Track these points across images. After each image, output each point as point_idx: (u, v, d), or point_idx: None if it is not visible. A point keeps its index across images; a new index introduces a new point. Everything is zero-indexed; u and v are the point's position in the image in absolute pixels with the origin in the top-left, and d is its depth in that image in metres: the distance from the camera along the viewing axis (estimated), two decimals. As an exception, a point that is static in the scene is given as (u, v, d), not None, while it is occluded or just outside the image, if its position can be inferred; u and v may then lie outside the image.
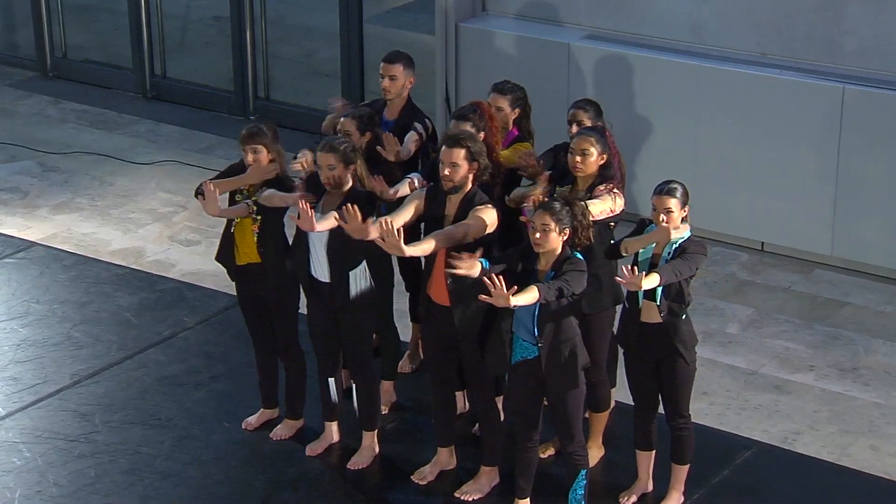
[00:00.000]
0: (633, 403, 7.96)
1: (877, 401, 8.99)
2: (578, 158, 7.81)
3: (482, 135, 8.10)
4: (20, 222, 11.40)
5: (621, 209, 7.89)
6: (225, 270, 8.54)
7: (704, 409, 8.82)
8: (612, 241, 7.79)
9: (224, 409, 8.93)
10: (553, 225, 7.34)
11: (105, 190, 11.97)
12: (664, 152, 10.68)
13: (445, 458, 8.30)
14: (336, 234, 7.88)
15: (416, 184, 8.10)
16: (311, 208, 7.68)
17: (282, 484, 8.25)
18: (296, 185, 8.23)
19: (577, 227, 7.41)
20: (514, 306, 7.17)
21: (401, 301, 9.03)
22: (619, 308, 7.93)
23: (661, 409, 7.88)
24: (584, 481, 7.71)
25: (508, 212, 8.14)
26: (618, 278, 7.31)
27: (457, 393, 8.41)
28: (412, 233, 8.15)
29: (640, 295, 7.52)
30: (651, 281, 7.25)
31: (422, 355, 8.93)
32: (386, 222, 7.36)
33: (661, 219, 7.46)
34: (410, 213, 7.81)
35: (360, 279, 8.07)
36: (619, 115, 10.86)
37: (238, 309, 8.72)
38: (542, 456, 8.08)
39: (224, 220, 8.42)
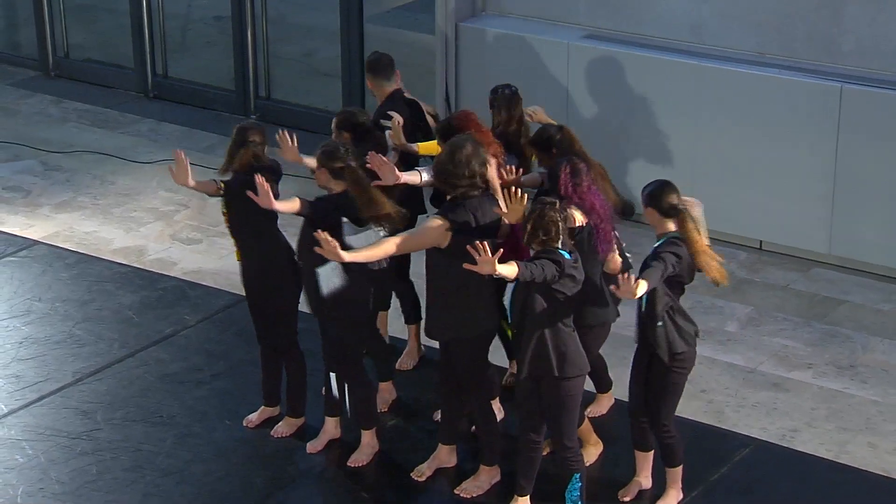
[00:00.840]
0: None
1: (874, 398, 9.00)
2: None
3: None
4: (22, 221, 11.41)
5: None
6: (229, 266, 8.56)
7: (703, 407, 8.83)
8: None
9: (225, 407, 8.94)
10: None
11: (107, 189, 11.98)
12: (663, 152, 10.68)
13: (445, 456, 8.30)
14: (305, 239, 7.92)
15: (425, 177, 8.08)
16: (267, 184, 7.72)
17: (283, 481, 8.26)
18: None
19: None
20: (498, 274, 7.14)
21: (396, 301, 9.05)
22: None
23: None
24: (580, 483, 7.70)
25: None
26: (612, 287, 7.30)
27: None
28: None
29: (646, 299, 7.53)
30: (642, 288, 7.24)
31: (419, 353, 8.95)
32: (319, 233, 7.43)
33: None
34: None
35: (330, 276, 8.04)
36: (618, 114, 10.89)
37: (239, 306, 8.73)
38: (542, 454, 8.08)
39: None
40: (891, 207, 10.17)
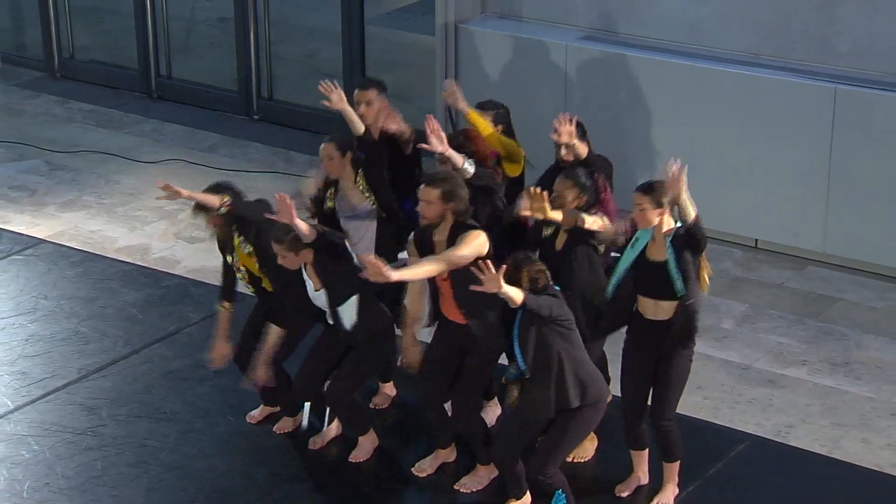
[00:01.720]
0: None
1: (868, 395, 9.01)
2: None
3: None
4: (28, 220, 11.41)
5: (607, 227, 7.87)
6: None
7: (699, 403, 8.83)
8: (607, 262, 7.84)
9: (228, 403, 8.94)
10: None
11: (111, 188, 11.98)
12: (661, 152, 10.68)
13: (445, 452, 8.30)
14: (331, 286, 7.92)
15: (469, 167, 8.11)
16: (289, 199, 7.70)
17: (284, 476, 8.27)
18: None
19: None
20: (503, 293, 7.15)
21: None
22: None
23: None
24: (564, 495, 7.65)
25: (511, 223, 8.18)
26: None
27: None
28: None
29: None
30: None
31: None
32: (364, 256, 7.47)
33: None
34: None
35: (350, 313, 8.04)
36: (616, 114, 10.89)
37: (240, 305, 8.70)
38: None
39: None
40: (884, 207, 10.18)
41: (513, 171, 8.55)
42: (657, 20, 10.93)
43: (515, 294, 7.15)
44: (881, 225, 10.22)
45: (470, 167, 8.13)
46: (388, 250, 8.38)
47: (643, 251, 7.59)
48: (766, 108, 10.39)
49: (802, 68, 10.38)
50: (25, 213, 11.53)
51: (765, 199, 10.56)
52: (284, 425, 8.65)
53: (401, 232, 8.40)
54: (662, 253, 7.52)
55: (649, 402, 7.83)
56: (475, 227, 7.69)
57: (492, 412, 8.59)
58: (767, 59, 10.54)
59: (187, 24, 14.57)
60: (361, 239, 8.49)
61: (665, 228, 7.50)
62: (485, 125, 8.43)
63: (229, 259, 8.35)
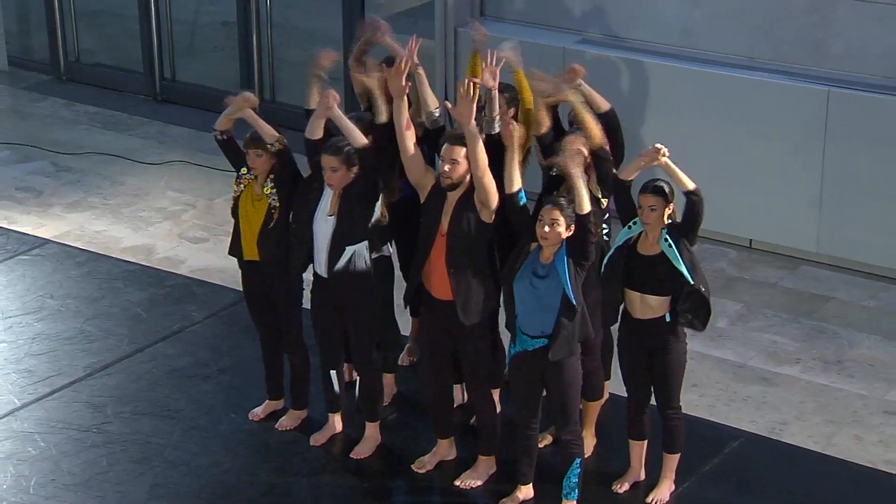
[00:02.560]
0: (625, 395, 7.97)
1: (860, 392, 9.00)
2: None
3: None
4: (35, 220, 11.40)
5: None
6: (236, 263, 8.53)
7: (695, 401, 8.83)
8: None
9: (231, 401, 8.94)
10: (562, 219, 7.36)
11: (116, 189, 11.97)
12: (656, 153, 10.68)
13: (445, 449, 8.30)
14: (343, 220, 7.90)
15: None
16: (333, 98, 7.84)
17: (287, 472, 8.26)
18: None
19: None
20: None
21: (401, 297, 9.04)
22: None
23: (652, 401, 7.91)
24: (579, 469, 7.71)
25: (506, 219, 8.13)
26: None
27: (455, 385, 8.42)
28: (411, 241, 8.11)
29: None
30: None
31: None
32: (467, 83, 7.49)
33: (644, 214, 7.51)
34: (413, 141, 7.78)
35: (358, 258, 8.05)
36: (613, 116, 10.87)
37: (244, 304, 8.71)
38: (539, 445, 8.08)
39: (231, 219, 8.41)
40: (877, 207, 10.18)
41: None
42: (652, 24, 10.92)
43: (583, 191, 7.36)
44: (873, 225, 10.22)
45: (497, 124, 8.03)
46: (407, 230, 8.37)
47: (634, 245, 7.58)
48: (760, 110, 10.38)
49: (796, 71, 10.37)
50: (32, 213, 11.52)
51: (759, 200, 10.55)
52: (287, 422, 8.65)
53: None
54: (655, 247, 7.52)
55: (652, 396, 7.83)
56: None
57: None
58: (761, 62, 10.54)
59: (191, 28, 14.55)
60: None
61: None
62: (529, 92, 8.32)
63: (243, 171, 8.30)
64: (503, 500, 7.90)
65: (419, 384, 8.46)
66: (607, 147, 7.94)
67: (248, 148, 8.18)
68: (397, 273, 8.76)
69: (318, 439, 8.51)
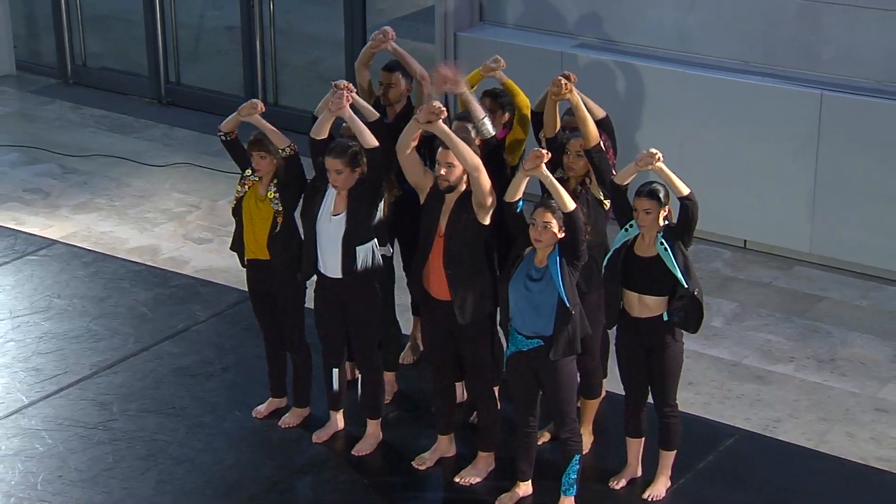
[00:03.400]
0: (622, 393, 7.96)
1: (853, 390, 8.99)
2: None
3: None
4: (42, 221, 11.39)
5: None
6: (238, 263, 8.51)
7: (691, 399, 8.82)
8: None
9: (235, 399, 8.93)
10: (553, 221, 7.34)
11: (122, 191, 11.96)
12: (652, 155, 10.67)
13: (445, 446, 8.29)
14: (352, 220, 7.89)
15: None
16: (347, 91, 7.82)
17: (290, 469, 8.25)
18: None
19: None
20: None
21: (403, 296, 9.03)
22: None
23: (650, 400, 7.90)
24: (577, 466, 7.70)
25: (502, 218, 8.12)
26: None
27: (456, 383, 8.41)
28: (413, 240, 8.09)
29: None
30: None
31: (421, 347, 8.94)
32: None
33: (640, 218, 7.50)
34: (415, 138, 7.77)
35: (367, 255, 8.03)
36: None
37: (248, 303, 8.71)
38: (538, 442, 8.07)
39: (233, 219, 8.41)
40: (869, 208, 10.17)
41: (512, 159, 8.48)
42: (649, 29, 10.92)
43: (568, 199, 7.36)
44: (865, 226, 10.21)
45: (491, 127, 8.04)
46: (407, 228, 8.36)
47: (631, 247, 7.57)
48: (755, 113, 10.37)
49: (789, 75, 10.37)
50: (39, 215, 11.51)
51: (753, 202, 10.54)
52: (289, 420, 8.64)
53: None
54: (651, 249, 7.51)
55: (650, 393, 7.83)
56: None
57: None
58: (755, 67, 10.53)
59: (196, 33, 14.54)
60: None
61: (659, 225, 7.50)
62: (522, 96, 8.33)
63: (247, 172, 8.27)
64: (502, 495, 7.89)
65: (427, 383, 8.46)
66: (605, 147, 7.92)
67: (252, 149, 8.17)
68: (398, 273, 8.76)
69: (320, 436, 8.50)
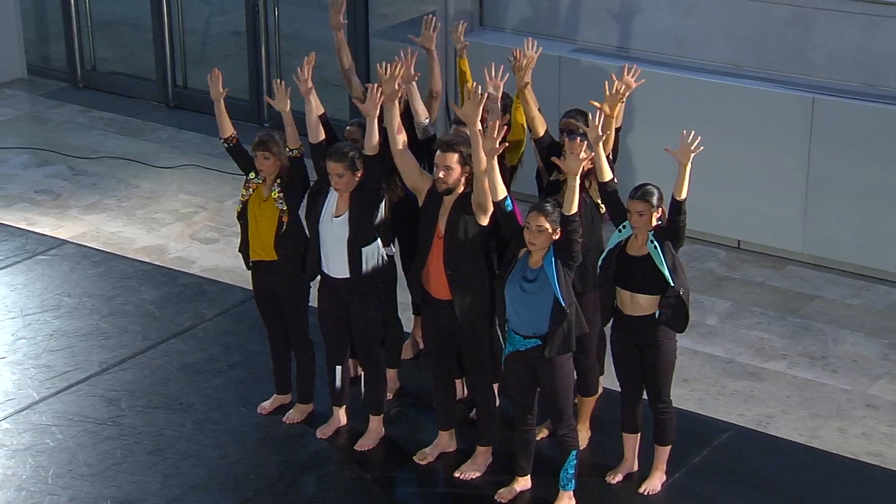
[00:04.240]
0: (619, 390, 7.96)
1: (844, 387, 9.00)
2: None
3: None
4: (53, 222, 11.40)
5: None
6: (243, 264, 8.51)
7: (685, 395, 8.82)
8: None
9: (240, 395, 8.93)
10: (547, 225, 7.35)
11: (130, 192, 11.97)
12: (647, 158, 10.67)
13: (446, 441, 8.30)
14: (355, 222, 7.89)
15: None
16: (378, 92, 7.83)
17: (294, 464, 8.26)
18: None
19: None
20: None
21: (404, 294, 9.04)
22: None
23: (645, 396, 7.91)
24: (575, 461, 7.71)
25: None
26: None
27: (456, 380, 8.42)
28: (413, 240, 8.10)
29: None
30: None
31: (421, 345, 8.94)
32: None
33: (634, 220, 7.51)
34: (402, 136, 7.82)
35: (373, 256, 8.04)
36: (606, 122, 10.87)
37: (253, 302, 8.71)
38: (536, 438, 8.07)
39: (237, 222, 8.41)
40: (859, 209, 10.18)
41: (511, 159, 8.48)
42: (645, 34, 10.93)
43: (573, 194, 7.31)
44: (856, 226, 10.22)
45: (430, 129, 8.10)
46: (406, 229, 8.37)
47: (624, 247, 7.58)
48: (748, 116, 10.38)
49: (781, 79, 10.38)
50: (50, 215, 11.52)
51: (747, 203, 10.55)
52: (293, 416, 8.64)
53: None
54: (643, 248, 7.52)
55: (644, 389, 7.83)
56: None
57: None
58: (748, 71, 10.54)
59: (202, 38, 14.54)
60: None
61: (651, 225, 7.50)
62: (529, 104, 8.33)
63: (251, 175, 8.27)
64: (501, 490, 7.90)
65: (427, 379, 8.46)
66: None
67: (256, 150, 8.19)
68: (399, 273, 8.77)
69: (324, 432, 8.51)
